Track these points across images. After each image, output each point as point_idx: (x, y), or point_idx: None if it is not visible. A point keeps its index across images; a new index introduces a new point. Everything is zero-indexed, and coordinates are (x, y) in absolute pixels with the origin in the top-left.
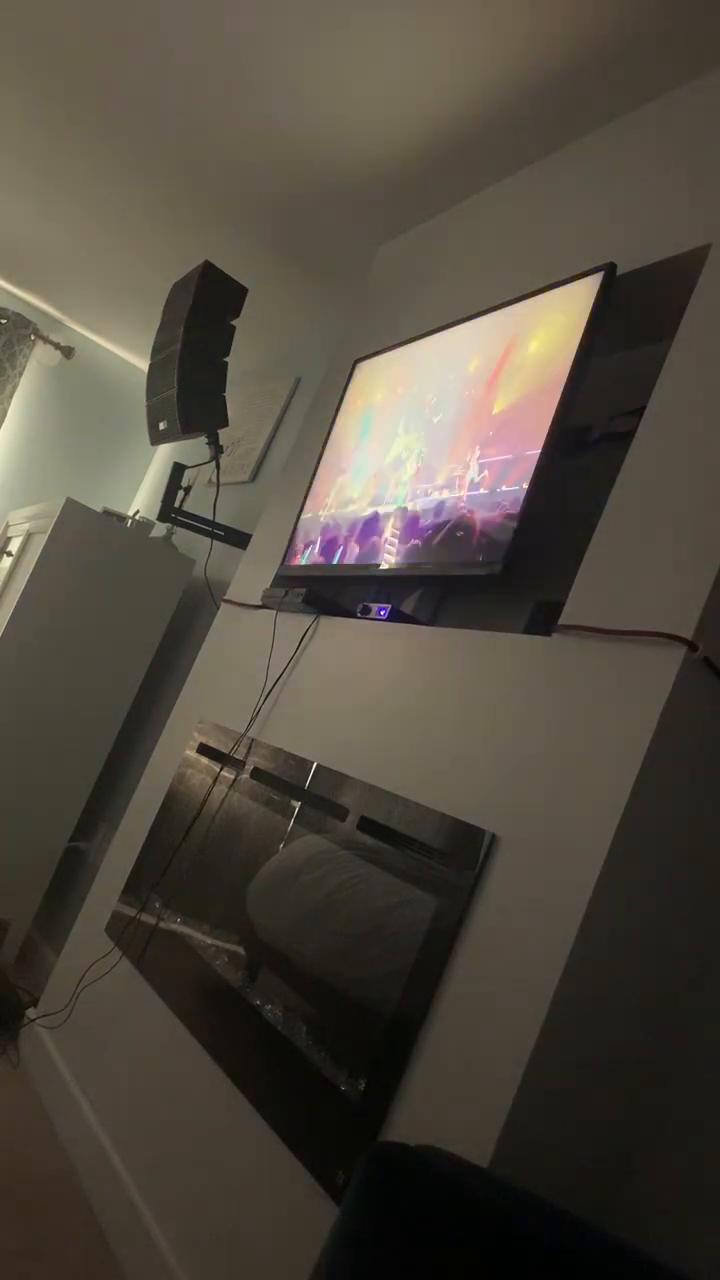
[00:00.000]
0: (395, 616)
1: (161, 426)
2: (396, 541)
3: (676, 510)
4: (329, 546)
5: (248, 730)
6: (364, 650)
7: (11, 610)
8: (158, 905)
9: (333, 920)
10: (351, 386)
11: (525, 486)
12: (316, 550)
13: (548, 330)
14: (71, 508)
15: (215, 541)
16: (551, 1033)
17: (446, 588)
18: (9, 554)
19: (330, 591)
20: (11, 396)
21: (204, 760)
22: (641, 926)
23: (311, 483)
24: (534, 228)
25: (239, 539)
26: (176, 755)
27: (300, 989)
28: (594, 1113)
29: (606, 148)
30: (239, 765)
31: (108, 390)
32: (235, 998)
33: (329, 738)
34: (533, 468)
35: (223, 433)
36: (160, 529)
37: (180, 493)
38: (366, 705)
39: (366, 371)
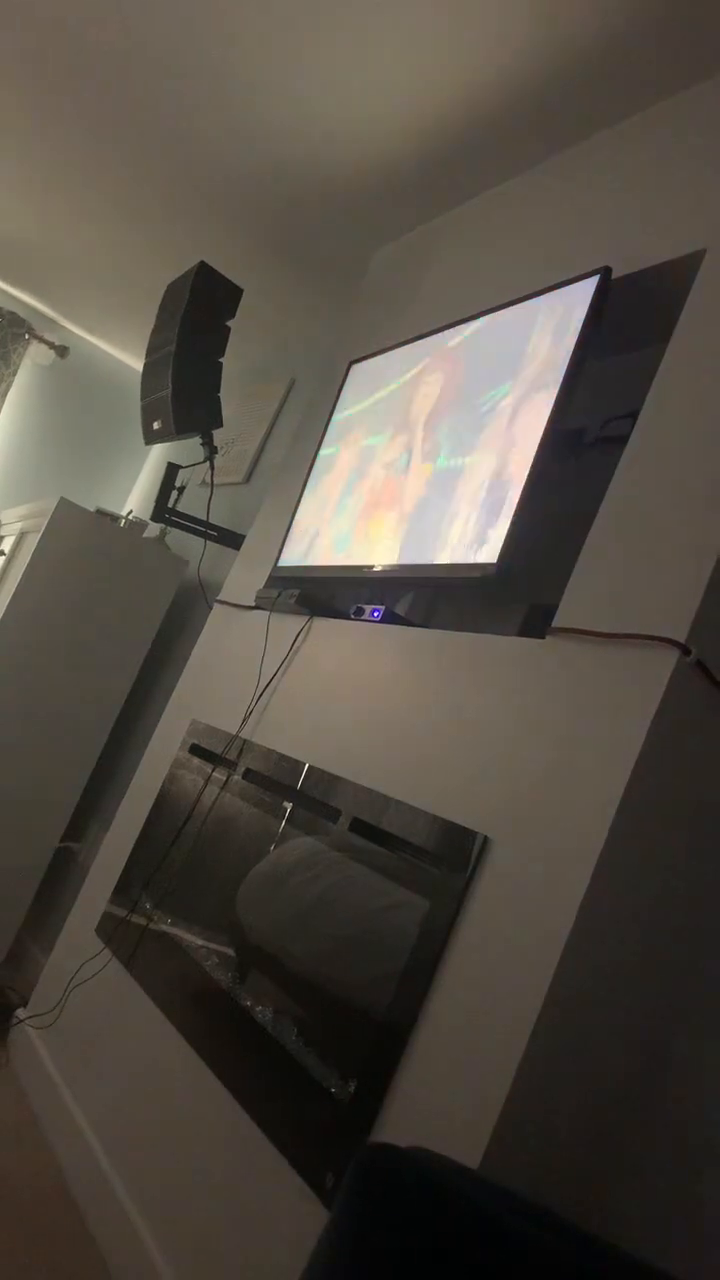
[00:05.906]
0: (388, 618)
1: (156, 426)
2: (391, 542)
3: (670, 514)
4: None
5: (240, 731)
6: (357, 652)
7: (3, 610)
8: (148, 906)
9: (324, 922)
10: (346, 388)
11: (520, 489)
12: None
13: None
14: (65, 507)
15: (209, 542)
16: (543, 1035)
17: (440, 590)
18: (1, 553)
19: (324, 593)
20: (5, 395)
21: (196, 761)
22: (634, 929)
23: (305, 484)
24: (530, 231)
25: (232, 539)
26: (168, 756)
27: (290, 990)
28: (585, 1115)
29: (603, 153)
30: (231, 766)
31: (102, 390)
32: (225, 999)
33: (321, 739)
34: (527, 470)
35: (217, 433)
36: (154, 529)
37: (174, 493)
38: (359, 707)
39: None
